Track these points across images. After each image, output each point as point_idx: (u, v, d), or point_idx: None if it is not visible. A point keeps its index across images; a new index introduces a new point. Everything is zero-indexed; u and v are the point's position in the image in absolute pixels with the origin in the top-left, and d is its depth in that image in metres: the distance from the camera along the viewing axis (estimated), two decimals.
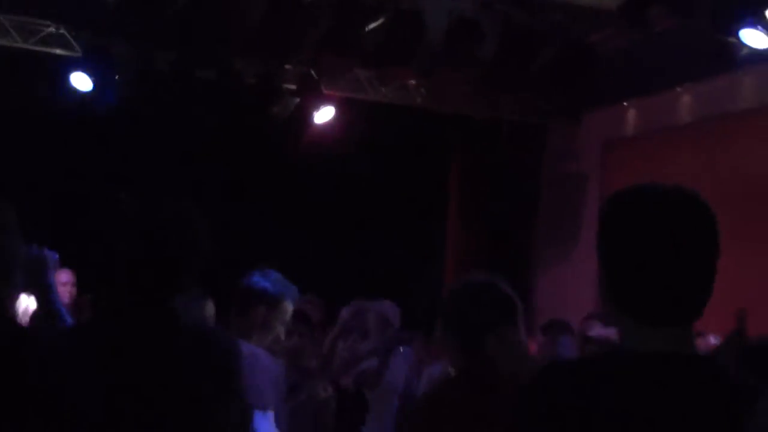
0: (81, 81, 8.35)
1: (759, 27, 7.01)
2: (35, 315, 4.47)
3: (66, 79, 8.52)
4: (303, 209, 10.84)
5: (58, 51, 8.52)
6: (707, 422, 1.78)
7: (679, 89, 9.26)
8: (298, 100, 8.79)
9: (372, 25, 8.02)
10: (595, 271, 7.20)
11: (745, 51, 7.47)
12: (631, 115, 10.06)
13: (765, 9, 6.88)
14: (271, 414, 3.73)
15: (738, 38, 7.05)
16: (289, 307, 4.13)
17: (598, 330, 6.12)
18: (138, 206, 2.99)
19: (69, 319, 6.24)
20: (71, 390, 2.29)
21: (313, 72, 8.60)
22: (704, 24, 7.42)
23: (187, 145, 9.76)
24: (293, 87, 8.77)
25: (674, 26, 7.54)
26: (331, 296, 7.22)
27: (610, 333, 5.61)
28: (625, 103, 9.97)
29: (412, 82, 8.96)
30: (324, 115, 8.88)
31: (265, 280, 4.08)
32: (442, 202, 11.90)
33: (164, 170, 9.55)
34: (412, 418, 3.46)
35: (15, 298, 2.44)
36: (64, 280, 6.94)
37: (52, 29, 8.36)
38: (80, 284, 7.47)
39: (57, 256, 5.11)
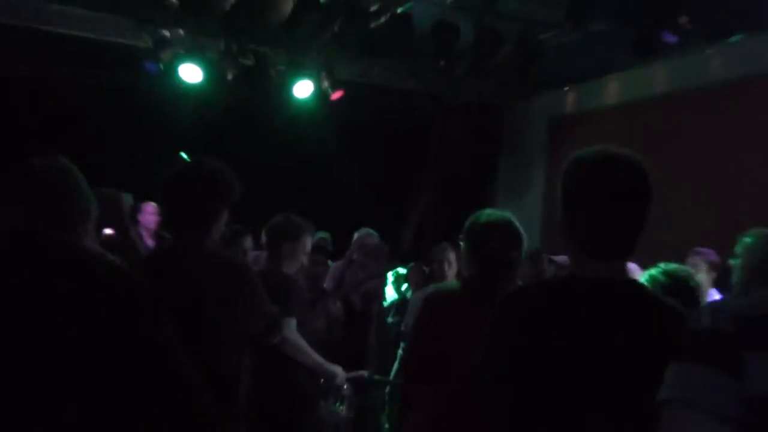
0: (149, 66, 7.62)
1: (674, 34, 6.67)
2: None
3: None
4: (312, 168, 10.21)
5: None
6: (635, 329, 1.76)
7: (607, 77, 8.96)
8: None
9: (373, 25, 7.36)
10: (540, 218, 7.19)
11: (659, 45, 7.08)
12: (571, 97, 9.84)
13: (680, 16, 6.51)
14: (293, 321, 3.60)
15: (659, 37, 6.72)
16: (308, 241, 4.04)
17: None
18: (194, 164, 2.96)
19: (145, 244, 5.98)
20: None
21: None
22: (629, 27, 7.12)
23: (229, 119, 9.23)
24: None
25: (605, 27, 7.23)
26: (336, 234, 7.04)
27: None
28: (566, 88, 9.72)
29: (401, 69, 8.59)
30: (336, 95, 8.27)
31: (288, 221, 3.99)
32: (419, 167, 11.40)
33: (209, 134, 8.90)
34: (421, 316, 3.20)
35: (92, 230, 2.26)
36: (150, 211, 6.64)
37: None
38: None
39: (131, 195, 4.99)
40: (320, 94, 8.14)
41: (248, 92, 7.96)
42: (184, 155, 8.48)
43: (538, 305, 1.89)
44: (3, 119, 8.10)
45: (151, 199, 6.48)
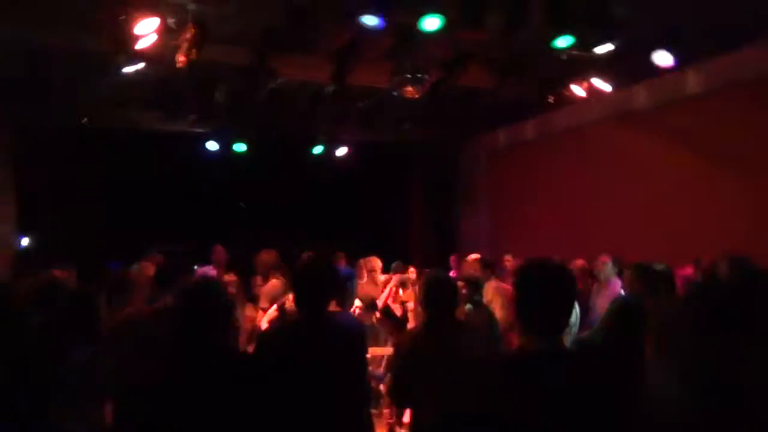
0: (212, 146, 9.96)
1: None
2: None
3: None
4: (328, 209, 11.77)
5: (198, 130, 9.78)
6: (575, 388, 2.10)
7: (526, 121, 10.61)
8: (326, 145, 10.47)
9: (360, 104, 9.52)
10: (485, 225, 10.03)
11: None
12: (501, 136, 11.50)
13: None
14: None
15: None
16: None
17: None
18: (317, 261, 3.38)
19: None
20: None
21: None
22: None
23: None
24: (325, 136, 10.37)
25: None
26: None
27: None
28: (498, 130, 11.41)
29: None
30: (341, 151, 10.63)
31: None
32: (406, 190, 13.07)
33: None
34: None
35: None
36: (219, 251, 7.54)
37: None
38: None
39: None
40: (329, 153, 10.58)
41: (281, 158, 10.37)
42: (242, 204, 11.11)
43: (506, 377, 2.12)
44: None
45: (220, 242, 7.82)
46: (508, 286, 6.66)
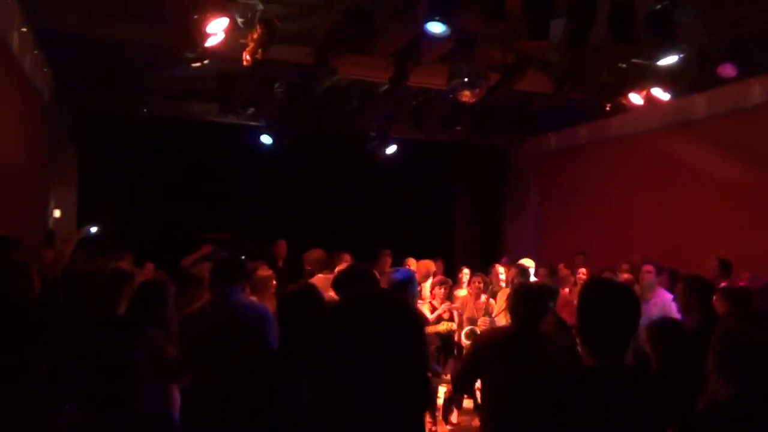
0: (266, 139, 10.11)
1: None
2: None
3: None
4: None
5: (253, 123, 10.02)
6: (632, 405, 2.16)
7: (579, 126, 10.64)
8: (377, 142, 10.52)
9: (414, 102, 9.68)
10: (531, 229, 9.98)
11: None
12: (553, 139, 11.51)
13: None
14: None
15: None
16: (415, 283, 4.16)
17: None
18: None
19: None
20: None
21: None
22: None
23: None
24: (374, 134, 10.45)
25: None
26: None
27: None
28: (549, 133, 11.48)
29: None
30: (391, 149, 10.66)
31: (401, 274, 4.08)
32: (452, 190, 13.05)
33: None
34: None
35: None
36: (281, 245, 8.08)
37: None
38: None
39: None
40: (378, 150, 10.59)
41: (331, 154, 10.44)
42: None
43: (574, 392, 2.19)
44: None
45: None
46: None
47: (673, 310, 5.76)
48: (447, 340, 6.65)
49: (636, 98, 8.04)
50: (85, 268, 5.70)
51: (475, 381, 3.73)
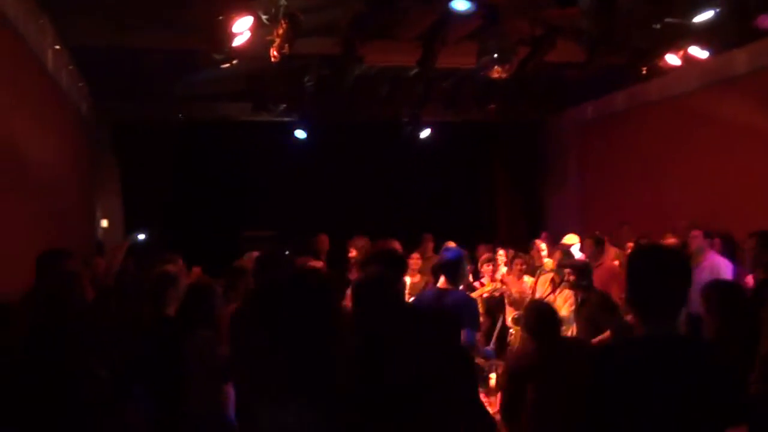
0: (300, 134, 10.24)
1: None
2: None
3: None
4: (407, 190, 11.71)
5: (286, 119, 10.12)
6: (685, 371, 2.10)
7: (615, 93, 10.32)
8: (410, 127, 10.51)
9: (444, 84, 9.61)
10: (573, 202, 9.67)
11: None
12: (590, 109, 11.25)
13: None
14: None
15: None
16: (465, 262, 4.39)
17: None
18: None
19: None
20: None
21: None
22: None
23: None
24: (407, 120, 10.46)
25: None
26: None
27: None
28: (585, 103, 11.17)
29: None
30: (425, 133, 10.73)
31: (451, 252, 4.43)
32: (491, 170, 12.94)
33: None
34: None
35: None
36: (324, 240, 7.77)
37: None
38: None
39: None
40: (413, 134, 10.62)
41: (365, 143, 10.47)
42: None
43: (620, 365, 2.16)
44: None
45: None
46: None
47: (724, 273, 5.68)
48: (492, 304, 6.61)
49: (673, 59, 7.81)
50: (136, 275, 5.80)
51: (521, 407, 3.83)
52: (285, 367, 1.36)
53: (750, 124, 7.96)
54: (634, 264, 2.28)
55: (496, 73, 6.99)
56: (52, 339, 2.72)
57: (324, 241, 7.93)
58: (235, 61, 6.72)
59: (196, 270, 6.57)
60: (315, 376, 1.38)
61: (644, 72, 8.22)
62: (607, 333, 4.94)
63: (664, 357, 2.11)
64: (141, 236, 6.44)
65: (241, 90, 9.21)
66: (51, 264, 3.89)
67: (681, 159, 9.15)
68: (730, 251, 6.41)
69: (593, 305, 5.15)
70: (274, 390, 1.35)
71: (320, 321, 1.45)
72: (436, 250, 7.99)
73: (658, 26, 6.60)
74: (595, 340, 4.89)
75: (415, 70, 8.72)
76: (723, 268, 5.88)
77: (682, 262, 2.24)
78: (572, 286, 5.36)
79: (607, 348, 2.91)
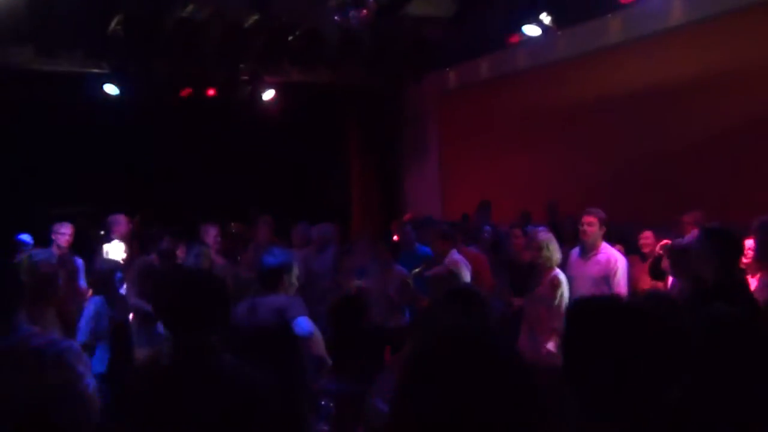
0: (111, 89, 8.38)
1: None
2: None
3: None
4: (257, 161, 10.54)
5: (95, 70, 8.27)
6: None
7: (478, 60, 9.77)
8: (250, 87, 9.14)
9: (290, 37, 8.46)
10: (433, 181, 8.79)
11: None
12: (452, 75, 10.63)
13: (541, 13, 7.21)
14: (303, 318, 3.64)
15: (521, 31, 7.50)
16: (295, 269, 3.85)
17: None
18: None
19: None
20: None
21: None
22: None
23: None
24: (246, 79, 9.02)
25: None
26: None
27: None
28: (447, 69, 10.53)
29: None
30: (268, 95, 9.35)
31: (275, 257, 3.79)
32: (344, 141, 11.82)
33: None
34: None
35: None
36: (212, 233, 6.41)
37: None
38: None
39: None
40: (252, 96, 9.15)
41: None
42: None
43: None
44: None
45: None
46: (475, 255, 6.04)
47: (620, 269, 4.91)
48: None
49: (533, 29, 7.47)
50: None
51: None
52: None
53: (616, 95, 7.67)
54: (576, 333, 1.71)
55: (352, 20, 5.71)
56: None
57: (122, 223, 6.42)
58: None
59: None
60: None
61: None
62: None
63: None
64: None
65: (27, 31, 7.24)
66: None
67: (552, 133, 8.57)
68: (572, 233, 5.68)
69: None
70: None
71: None
72: (278, 233, 7.19)
73: None
74: None
75: (255, 17, 7.33)
76: (618, 263, 5.03)
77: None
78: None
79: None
